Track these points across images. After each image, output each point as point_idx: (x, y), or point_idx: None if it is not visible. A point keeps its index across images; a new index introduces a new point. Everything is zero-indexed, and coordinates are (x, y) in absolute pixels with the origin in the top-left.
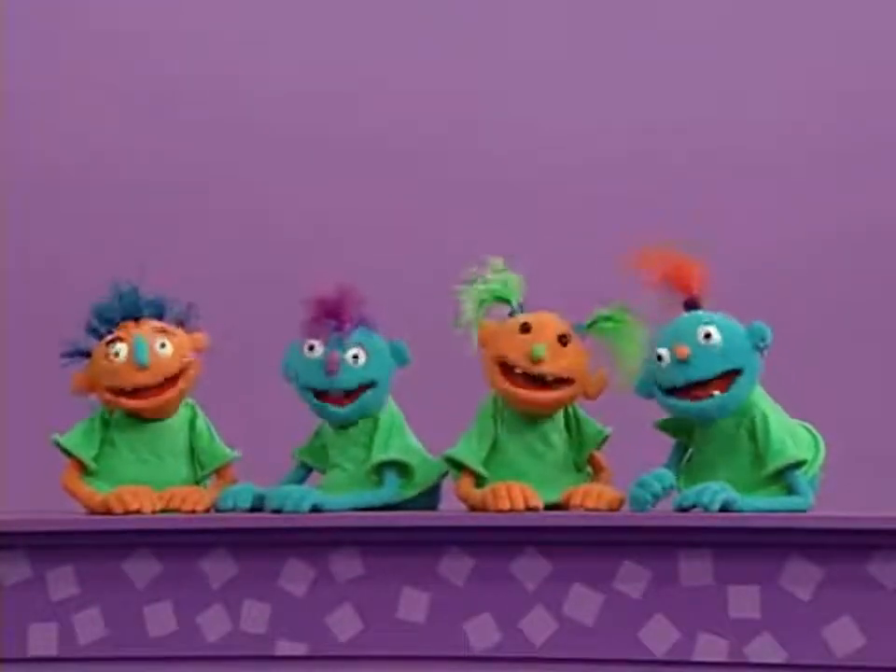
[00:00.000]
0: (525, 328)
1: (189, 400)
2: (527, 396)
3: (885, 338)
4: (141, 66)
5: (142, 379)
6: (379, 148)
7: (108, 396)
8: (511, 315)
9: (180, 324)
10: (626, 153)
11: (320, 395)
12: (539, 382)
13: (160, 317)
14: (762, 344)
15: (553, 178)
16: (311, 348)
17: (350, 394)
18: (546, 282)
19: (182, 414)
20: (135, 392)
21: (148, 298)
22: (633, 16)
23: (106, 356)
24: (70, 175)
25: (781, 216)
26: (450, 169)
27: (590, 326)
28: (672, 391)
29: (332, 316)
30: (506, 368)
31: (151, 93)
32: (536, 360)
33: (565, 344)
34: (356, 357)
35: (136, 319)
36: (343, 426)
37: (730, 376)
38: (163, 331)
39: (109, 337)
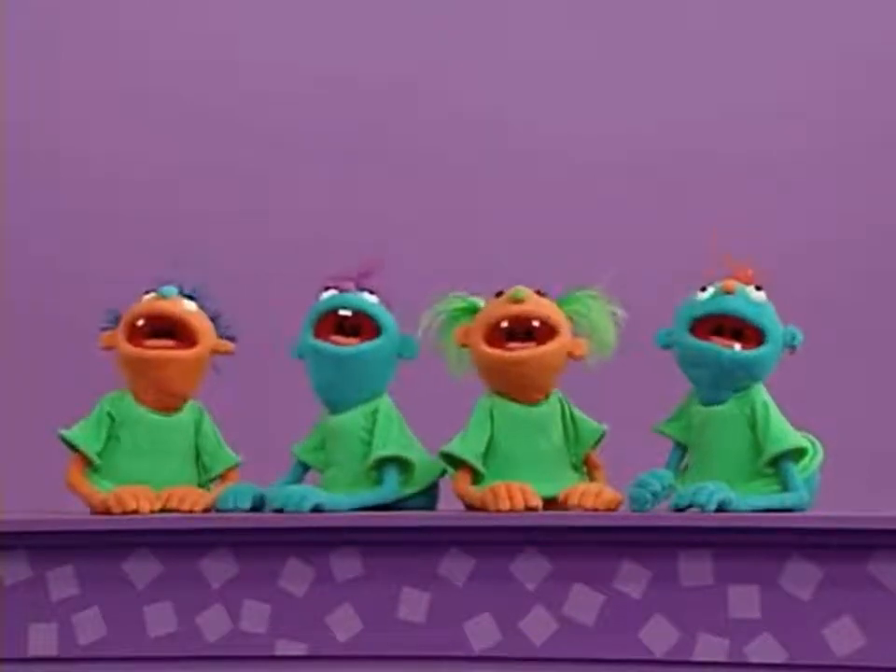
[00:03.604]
0: (499, 293)
1: (196, 402)
2: (513, 355)
3: (885, 338)
4: (141, 66)
5: (160, 305)
6: (380, 148)
7: (124, 331)
8: None
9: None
10: (626, 153)
11: (324, 333)
12: (526, 337)
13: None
14: (793, 343)
15: (558, 178)
16: (326, 289)
17: (358, 322)
18: (546, 282)
19: (188, 415)
20: (142, 333)
21: (210, 301)
22: (633, 16)
23: (138, 300)
24: (70, 175)
25: (781, 215)
26: (450, 169)
27: (565, 300)
28: (696, 328)
29: (355, 279)
30: (491, 336)
31: (152, 93)
32: (517, 300)
33: (543, 296)
34: (371, 292)
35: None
36: (341, 401)
37: (753, 342)
38: (195, 302)
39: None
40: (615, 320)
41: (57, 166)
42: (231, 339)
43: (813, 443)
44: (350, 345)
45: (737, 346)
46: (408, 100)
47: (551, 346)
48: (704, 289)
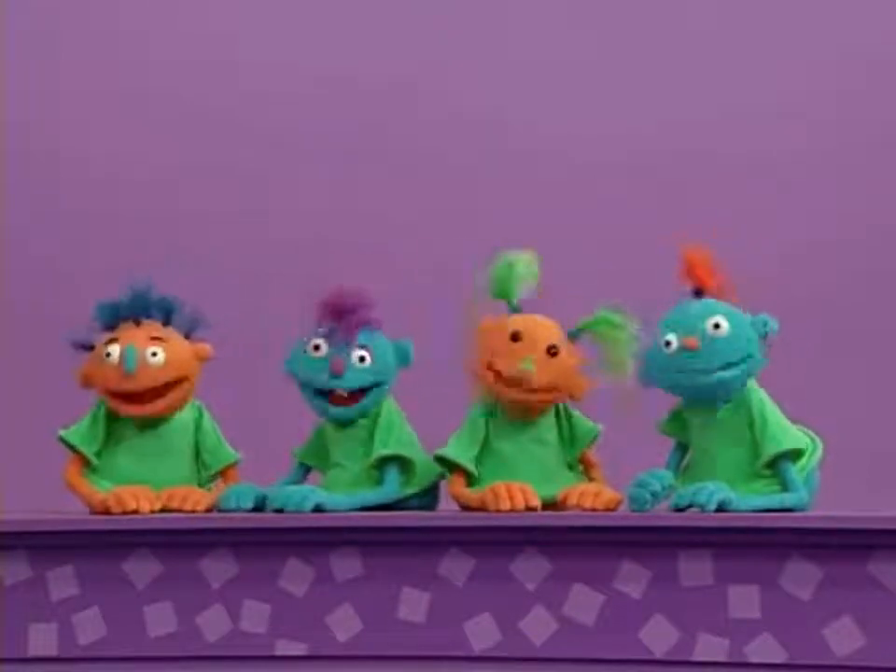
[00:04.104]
0: (516, 336)
1: (196, 401)
2: (512, 397)
3: (885, 338)
4: (141, 66)
5: (127, 385)
6: (380, 148)
7: (105, 396)
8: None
9: (186, 334)
10: (626, 153)
11: (323, 394)
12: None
13: (167, 320)
14: (765, 330)
15: (558, 178)
16: (316, 347)
17: (354, 395)
18: (546, 282)
19: (188, 414)
20: (128, 397)
21: (159, 298)
22: (633, 16)
23: (101, 355)
24: (70, 175)
25: (781, 215)
26: (450, 169)
27: (580, 330)
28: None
29: (340, 320)
30: (493, 370)
31: (152, 93)
32: (522, 372)
33: (554, 355)
34: (362, 358)
35: (138, 321)
36: (343, 424)
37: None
38: (159, 340)
39: (108, 336)
40: (632, 345)
41: (57, 166)
42: (195, 324)
43: (812, 438)
44: (350, 407)
45: (718, 372)
46: (408, 100)
47: (547, 397)
48: (668, 343)
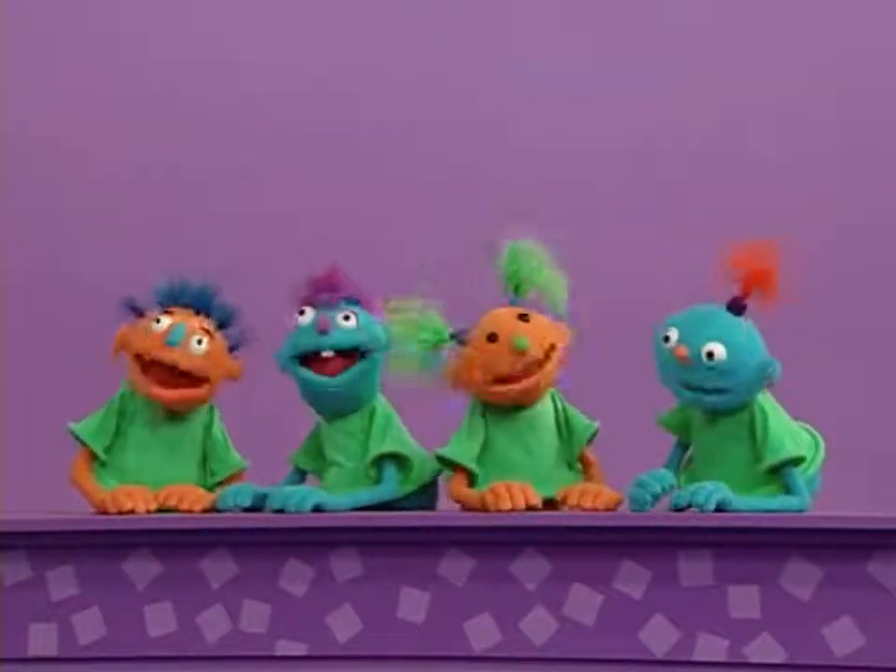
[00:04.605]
0: (492, 337)
1: (211, 405)
2: (522, 386)
3: (885, 338)
4: (141, 66)
5: (164, 354)
6: (380, 148)
7: (132, 360)
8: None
9: (232, 347)
10: (626, 152)
11: (309, 362)
12: (527, 370)
13: (221, 325)
14: (767, 382)
15: (557, 178)
16: (301, 313)
17: (340, 359)
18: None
19: (199, 417)
20: (150, 370)
21: (223, 303)
22: (633, 16)
23: (148, 325)
24: (70, 175)
25: (781, 215)
26: (450, 169)
27: (517, 293)
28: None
29: (325, 288)
30: (497, 380)
31: (152, 93)
32: (522, 351)
33: (527, 321)
34: (347, 318)
35: (197, 312)
36: (335, 413)
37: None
38: (209, 334)
39: (165, 309)
40: (554, 270)
41: (57, 166)
42: (242, 342)
43: (813, 436)
44: (336, 376)
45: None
46: (408, 100)
47: (549, 367)
48: (666, 339)
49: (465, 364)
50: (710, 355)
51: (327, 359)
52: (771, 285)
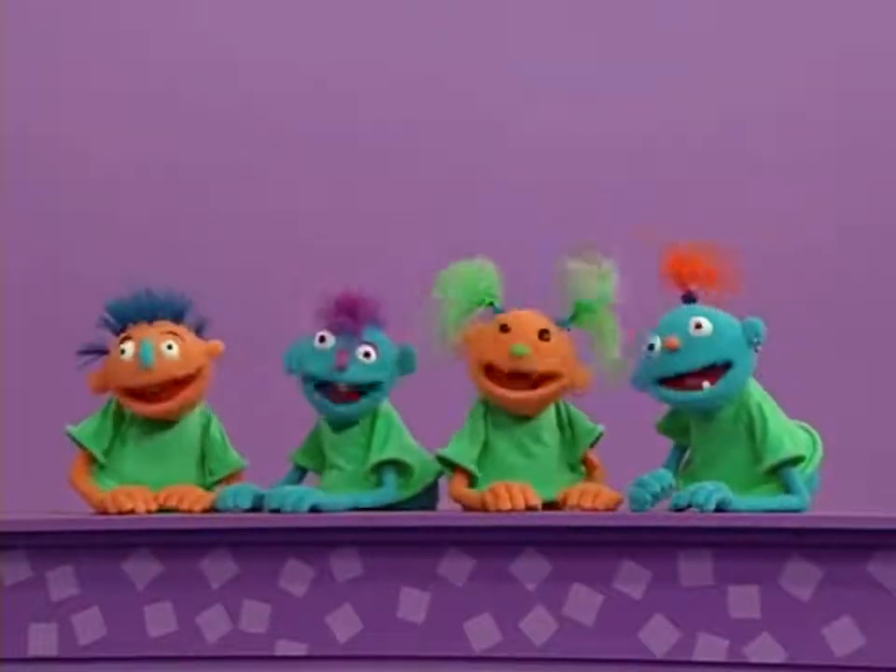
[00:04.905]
0: (505, 328)
1: (206, 407)
2: (514, 396)
3: (885, 338)
4: (141, 66)
5: (145, 379)
6: (380, 148)
7: (120, 395)
8: (494, 312)
9: (197, 331)
10: (626, 152)
11: (322, 388)
12: (525, 381)
13: (177, 318)
14: (755, 340)
15: (558, 177)
16: (322, 339)
17: (354, 391)
18: (546, 282)
19: (196, 419)
20: (143, 395)
21: (165, 299)
22: (633, 16)
23: (116, 355)
24: (70, 175)
25: (781, 215)
26: (450, 169)
27: (571, 319)
28: (664, 381)
29: (348, 315)
30: (490, 370)
31: (152, 93)
32: (517, 357)
33: (546, 340)
34: (367, 354)
35: (150, 321)
36: (340, 426)
37: (721, 369)
38: (174, 334)
39: (122, 335)
40: (618, 335)
41: (57, 166)
42: (204, 322)
43: (811, 434)
44: (348, 404)
45: (706, 384)
46: (408, 100)
47: (550, 389)
48: (651, 347)
49: (473, 335)
50: (699, 326)
51: (341, 391)
52: (708, 282)
